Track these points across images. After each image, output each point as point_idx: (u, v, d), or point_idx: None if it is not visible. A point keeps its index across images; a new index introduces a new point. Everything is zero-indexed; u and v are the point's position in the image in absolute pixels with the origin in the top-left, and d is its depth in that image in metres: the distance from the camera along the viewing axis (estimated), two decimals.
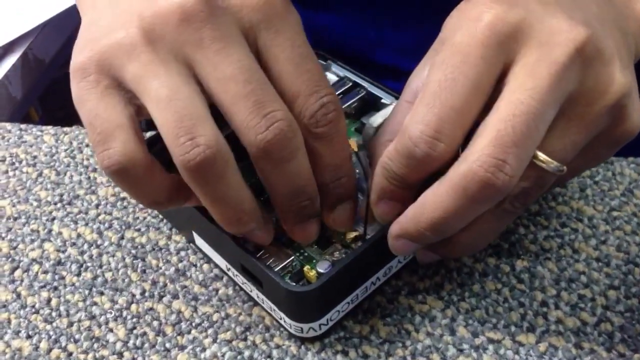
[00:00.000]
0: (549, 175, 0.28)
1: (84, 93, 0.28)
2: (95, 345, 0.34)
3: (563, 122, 0.28)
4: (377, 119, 0.36)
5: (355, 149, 0.31)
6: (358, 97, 0.39)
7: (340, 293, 0.32)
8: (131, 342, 0.34)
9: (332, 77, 0.40)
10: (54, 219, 0.40)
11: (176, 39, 0.27)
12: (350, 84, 0.39)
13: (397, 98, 0.38)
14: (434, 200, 0.28)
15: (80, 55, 0.28)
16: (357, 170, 0.33)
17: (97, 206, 0.41)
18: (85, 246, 0.39)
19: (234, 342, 0.34)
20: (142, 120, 0.29)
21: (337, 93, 0.38)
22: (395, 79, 0.49)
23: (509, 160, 0.26)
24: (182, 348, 0.34)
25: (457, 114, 0.27)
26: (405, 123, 0.29)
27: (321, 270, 0.31)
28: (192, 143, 0.26)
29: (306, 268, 0.32)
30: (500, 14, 0.28)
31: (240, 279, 0.34)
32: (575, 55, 0.27)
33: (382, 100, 0.38)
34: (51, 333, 0.35)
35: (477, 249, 0.35)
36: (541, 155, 0.28)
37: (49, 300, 0.36)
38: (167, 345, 0.34)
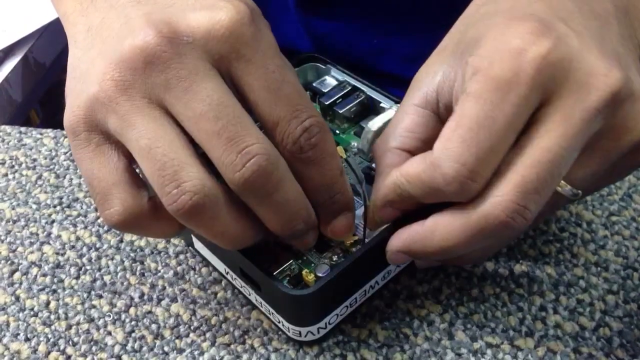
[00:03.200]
0: (563, 199, 0.29)
1: (79, 152, 0.28)
2: (94, 348, 0.34)
3: (587, 153, 0.28)
4: (376, 122, 0.36)
5: (344, 156, 0.31)
6: (357, 101, 0.39)
7: (338, 297, 0.32)
8: (129, 345, 0.34)
9: (331, 81, 0.40)
10: (53, 221, 0.40)
11: (146, 83, 0.27)
12: (350, 87, 0.39)
13: (396, 102, 0.38)
14: (446, 231, 0.28)
15: (69, 112, 0.28)
16: (349, 176, 0.33)
17: (96, 209, 0.41)
18: (84, 249, 0.39)
19: (232, 346, 0.34)
20: None
21: (336, 97, 0.39)
22: (399, 87, 0.49)
23: (530, 206, 0.26)
24: (180, 351, 0.34)
25: (494, 154, 0.27)
26: (437, 155, 0.27)
27: (319, 274, 0.31)
28: (178, 191, 0.26)
29: (305, 272, 0.32)
30: (544, 52, 0.26)
31: (238, 282, 0.34)
32: (609, 101, 0.27)
33: (382, 104, 0.38)
34: (50, 336, 0.35)
35: (480, 262, 0.36)
36: (560, 181, 0.28)
37: (47, 303, 0.36)
38: (166, 348, 0.34)
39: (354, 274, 0.32)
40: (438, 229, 0.28)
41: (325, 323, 0.32)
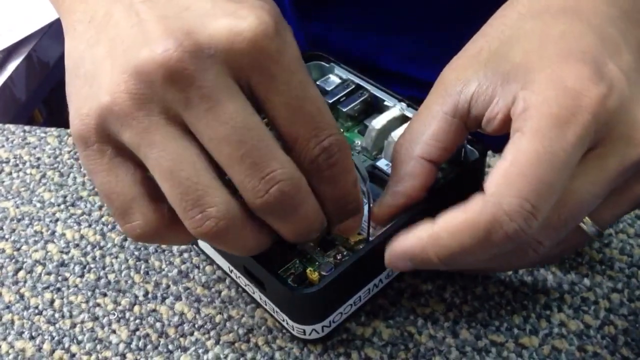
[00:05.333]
0: (586, 238, 0.30)
1: (92, 164, 0.27)
2: (98, 347, 0.34)
3: (616, 197, 0.28)
4: (380, 121, 0.36)
5: None
6: (361, 99, 0.39)
7: (342, 295, 0.32)
8: (134, 343, 0.34)
9: (334, 80, 0.40)
10: (57, 220, 0.40)
11: (165, 99, 0.25)
12: (353, 86, 0.39)
13: (400, 100, 0.37)
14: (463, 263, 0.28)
15: (78, 119, 0.27)
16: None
17: (100, 208, 0.41)
18: (89, 247, 0.39)
19: (236, 344, 0.34)
20: None
21: (339, 95, 0.39)
22: (399, 84, 0.49)
23: (545, 243, 0.27)
24: (184, 350, 0.34)
25: (554, 191, 0.26)
26: (494, 192, 0.26)
27: (324, 273, 0.31)
28: (203, 216, 0.25)
29: (309, 270, 0.32)
30: (601, 98, 0.26)
31: (242, 280, 0.34)
32: None
33: (385, 103, 0.38)
34: (54, 334, 0.35)
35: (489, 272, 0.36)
36: (587, 221, 0.29)
37: (52, 302, 0.36)
38: (170, 346, 0.34)
39: (357, 272, 0.32)
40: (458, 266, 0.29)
41: (330, 321, 0.32)
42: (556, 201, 0.26)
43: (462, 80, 0.29)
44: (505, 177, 0.26)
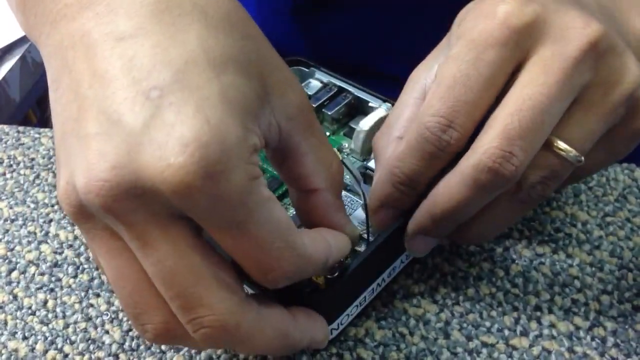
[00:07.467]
0: (567, 165, 0.29)
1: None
2: (91, 347, 0.34)
3: (581, 111, 0.29)
4: (367, 122, 0.36)
5: (340, 157, 0.32)
6: (344, 102, 0.39)
7: (349, 297, 0.32)
8: (127, 344, 0.34)
9: (316, 84, 0.40)
10: (51, 220, 0.41)
11: (105, 221, 0.25)
12: (336, 89, 0.39)
13: (384, 101, 0.38)
14: (446, 192, 0.29)
15: (58, 194, 0.26)
16: (348, 176, 0.33)
17: None
18: (82, 248, 0.39)
19: None
20: None
21: (323, 99, 0.39)
22: (401, 88, 0.49)
23: (515, 152, 0.27)
24: (177, 350, 0.34)
25: (470, 106, 0.28)
26: (418, 116, 0.29)
27: (329, 276, 0.31)
28: (142, 329, 0.27)
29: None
30: (515, 11, 0.28)
31: (245, 289, 0.34)
32: (588, 50, 0.28)
33: (370, 104, 0.38)
34: (47, 334, 0.35)
35: (490, 237, 0.37)
36: (561, 144, 0.28)
37: (45, 302, 0.36)
38: (163, 347, 0.34)
39: (362, 273, 0.32)
40: (439, 192, 0.30)
41: (338, 324, 0.32)
42: (513, 110, 0.27)
43: (427, 68, 0.32)
44: (428, 100, 0.29)
